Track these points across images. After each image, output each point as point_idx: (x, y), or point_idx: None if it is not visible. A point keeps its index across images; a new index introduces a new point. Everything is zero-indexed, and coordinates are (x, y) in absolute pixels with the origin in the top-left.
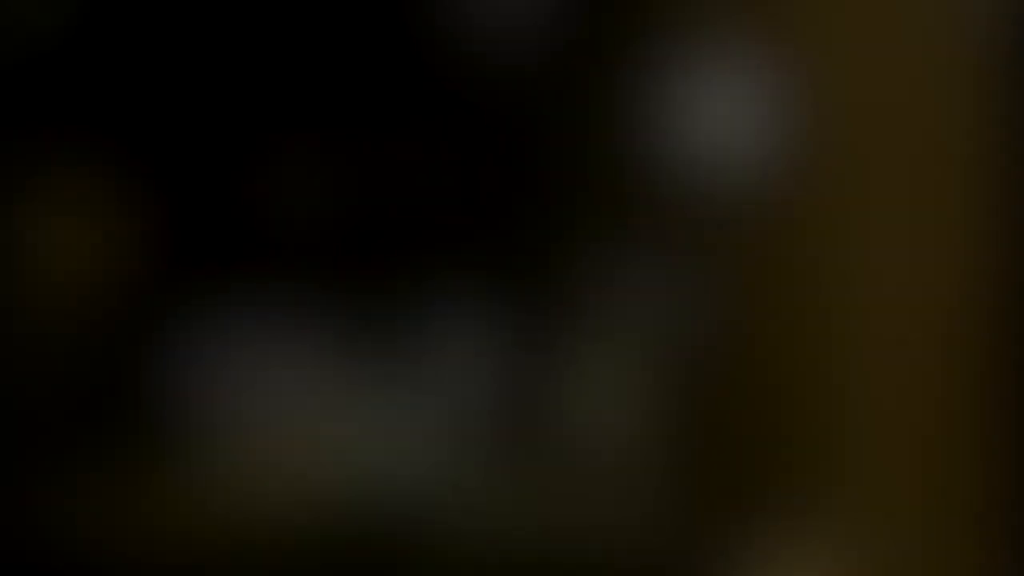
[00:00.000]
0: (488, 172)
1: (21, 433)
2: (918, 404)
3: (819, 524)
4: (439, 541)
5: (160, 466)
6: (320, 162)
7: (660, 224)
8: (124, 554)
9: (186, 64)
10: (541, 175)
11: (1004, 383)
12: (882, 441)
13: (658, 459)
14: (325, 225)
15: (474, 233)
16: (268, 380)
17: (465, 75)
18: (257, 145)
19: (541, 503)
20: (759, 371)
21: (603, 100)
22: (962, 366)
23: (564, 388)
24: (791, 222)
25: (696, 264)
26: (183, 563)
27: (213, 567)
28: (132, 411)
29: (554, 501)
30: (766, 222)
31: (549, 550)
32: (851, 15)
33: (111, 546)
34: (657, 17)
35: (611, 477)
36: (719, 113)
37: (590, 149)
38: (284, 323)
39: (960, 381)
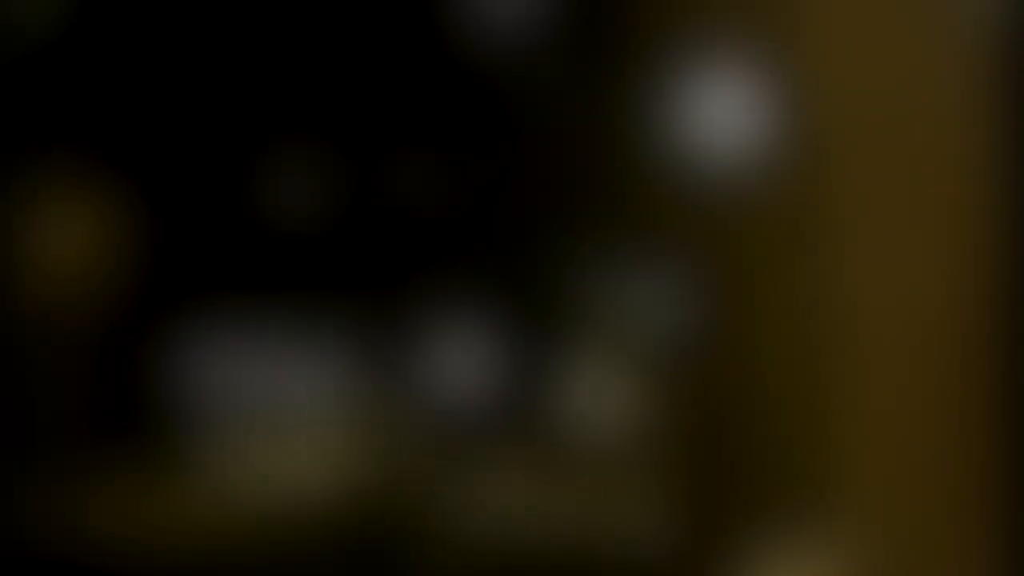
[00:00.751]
0: (488, 173)
1: (21, 433)
2: (918, 406)
3: (819, 526)
4: (438, 541)
5: (160, 466)
6: (318, 166)
7: (660, 225)
8: (124, 554)
9: (189, 69)
10: (540, 177)
11: (1004, 384)
12: (882, 443)
13: (657, 461)
14: (322, 230)
15: (471, 236)
16: (267, 381)
17: (463, 80)
18: (256, 151)
19: (540, 504)
20: (759, 373)
21: (603, 101)
22: (962, 367)
23: (562, 391)
24: (791, 223)
25: (696, 265)
26: (183, 563)
27: (213, 567)
28: (132, 412)
29: (553, 503)
30: (766, 223)
31: (547, 552)
32: (851, 15)
33: (111, 546)
34: (657, 17)
35: (610, 480)
36: (719, 114)
37: (590, 151)
38: (283, 325)
39: (960, 382)
